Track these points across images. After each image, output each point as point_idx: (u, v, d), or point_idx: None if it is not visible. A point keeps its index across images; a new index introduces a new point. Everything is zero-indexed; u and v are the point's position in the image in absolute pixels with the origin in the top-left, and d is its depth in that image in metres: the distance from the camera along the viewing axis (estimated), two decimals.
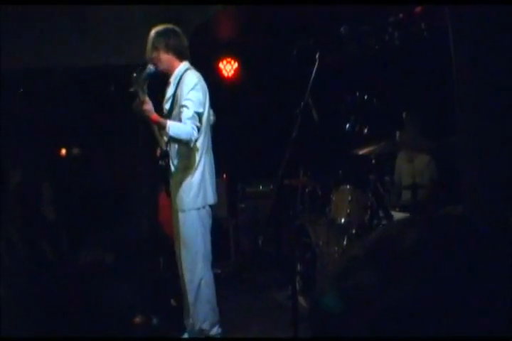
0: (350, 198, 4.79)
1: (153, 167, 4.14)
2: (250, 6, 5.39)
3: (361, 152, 4.87)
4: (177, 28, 4.03)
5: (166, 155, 3.99)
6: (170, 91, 4.02)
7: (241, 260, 6.51)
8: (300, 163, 5.49)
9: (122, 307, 4.66)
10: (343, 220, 4.77)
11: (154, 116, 3.78)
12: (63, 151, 7.43)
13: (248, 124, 7.18)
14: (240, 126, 7.10)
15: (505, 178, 2.47)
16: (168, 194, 4.09)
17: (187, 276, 3.98)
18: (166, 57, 3.97)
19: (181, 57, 4.01)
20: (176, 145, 3.97)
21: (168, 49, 3.96)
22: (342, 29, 3.70)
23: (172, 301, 4.71)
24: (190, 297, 3.98)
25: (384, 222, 4.35)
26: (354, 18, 3.76)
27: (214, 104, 4.12)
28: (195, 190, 3.94)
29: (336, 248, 4.63)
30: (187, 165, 3.95)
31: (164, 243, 4.81)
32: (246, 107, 7.23)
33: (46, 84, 7.00)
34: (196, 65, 4.09)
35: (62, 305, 4.47)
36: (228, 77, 7.54)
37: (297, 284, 4.63)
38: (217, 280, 4.22)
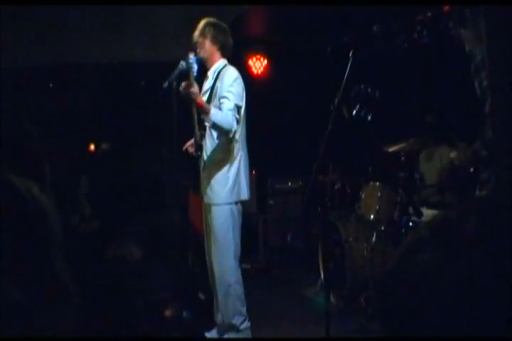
0: (379, 195, 4.81)
1: (186, 161, 4.13)
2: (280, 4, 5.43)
3: (391, 149, 4.89)
4: (227, 28, 4.07)
5: (200, 148, 3.99)
6: (208, 84, 4.05)
7: (270, 256, 6.53)
8: (330, 159, 5.51)
9: (153, 301, 4.71)
10: (372, 217, 4.79)
11: (200, 99, 3.75)
12: (95, 146, 7.54)
13: (277, 121, 7.19)
14: (269, 123, 7.11)
15: None
16: (195, 190, 4.07)
17: (217, 272, 3.96)
18: (210, 48, 4.01)
19: (223, 54, 4.06)
20: (214, 137, 3.96)
21: (216, 41, 4.00)
22: (374, 28, 3.72)
23: (200, 294, 4.75)
24: (220, 293, 3.97)
25: (414, 218, 4.36)
26: (383, 17, 3.77)
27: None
28: (231, 184, 3.93)
29: (365, 244, 4.66)
30: (223, 158, 3.94)
31: (193, 238, 4.84)
32: (275, 104, 7.24)
33: (78, 79, 7.11)
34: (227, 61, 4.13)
35: (92, 298, 4.53)
36: (258, 74, 7.55)
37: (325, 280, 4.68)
38: (247, 275, 4.23)
